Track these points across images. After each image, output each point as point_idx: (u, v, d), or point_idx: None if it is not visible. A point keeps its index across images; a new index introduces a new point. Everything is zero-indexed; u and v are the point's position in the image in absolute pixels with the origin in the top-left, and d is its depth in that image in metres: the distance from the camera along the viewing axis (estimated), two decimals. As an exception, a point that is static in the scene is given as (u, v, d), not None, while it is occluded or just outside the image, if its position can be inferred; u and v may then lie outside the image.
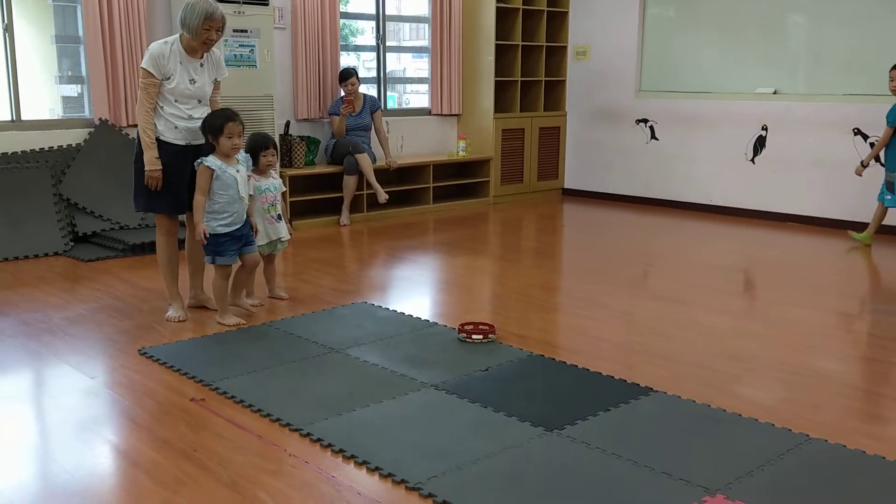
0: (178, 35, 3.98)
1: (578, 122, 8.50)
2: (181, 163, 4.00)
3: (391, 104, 8.15)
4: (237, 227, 4.01)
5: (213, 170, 3.90)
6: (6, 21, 5.64)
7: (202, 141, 3.99)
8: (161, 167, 3.93)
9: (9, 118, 5.74)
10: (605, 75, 8.17)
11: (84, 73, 6.06)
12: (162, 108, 3.94)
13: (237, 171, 3.98)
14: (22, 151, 5.65)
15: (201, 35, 3.89)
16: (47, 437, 2.90)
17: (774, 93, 7.04)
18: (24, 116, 5.79)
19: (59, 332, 3.95)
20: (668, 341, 3.92)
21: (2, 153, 5.56)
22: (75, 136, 5.90)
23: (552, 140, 8.52)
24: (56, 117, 6.39)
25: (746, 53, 7.19)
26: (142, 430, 2.91)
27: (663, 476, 2.53)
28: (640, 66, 7.99)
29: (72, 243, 5.69)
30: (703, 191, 7.36)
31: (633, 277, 5.26)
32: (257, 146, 4.30)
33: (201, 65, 4.02)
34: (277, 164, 4.53)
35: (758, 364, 3.61)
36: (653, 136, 7.88)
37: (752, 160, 7.23)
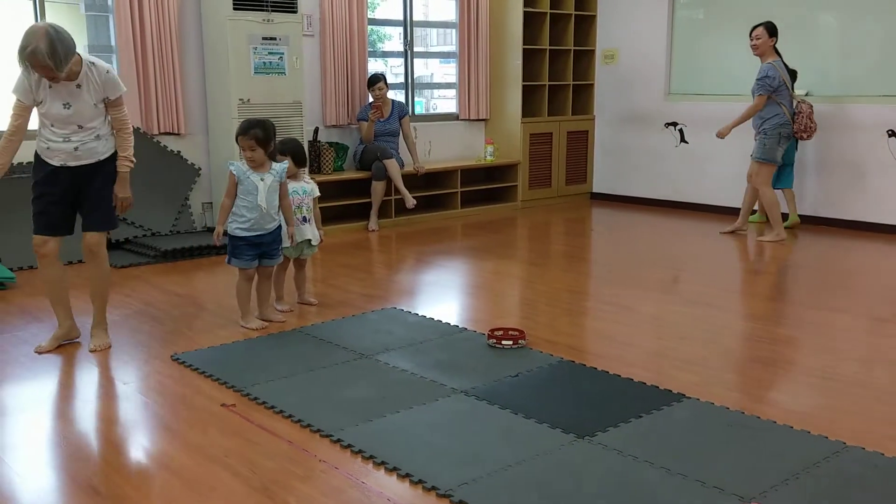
0: None
1: (607, 126, 8.46)
2: (54, 184, 3.68)
3: (419, 110, 8.16)
4: (256, 233, 4.02)
5: (236, 175, 3.97)
6: (41, 31, 5.71)
7: (84, 162, 3.66)
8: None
9: (43, 127, 5.82)
10: (633, 78, 8.13)
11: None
12: (40, 129, 3.66)
13: (261, 179, 3.99)
14: (56, 159, 5.72)
15: (33, 71, 3.43)
16: (81, 443, 2.93)
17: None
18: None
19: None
20: (699, 346, 3.87)
21: (36, 161, 5.63)
22: (108, 144, 5.96)
23: (580, 144, 8.49)
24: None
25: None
26: (174, 435, 2.93)
27: (697, 484, 2.50)
28: (668, 69, 7.93)
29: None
30: (733, 194, 7.26)
31: (663, 282, 5.21)
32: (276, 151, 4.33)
33: (77, 86, 3.54)
34: (305, 170, 4.52)
35: (793, 370, 3.56)
36: (682, 140, 7.81)
37: (784, 163, 7.13)
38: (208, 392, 3.29)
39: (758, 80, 6.14)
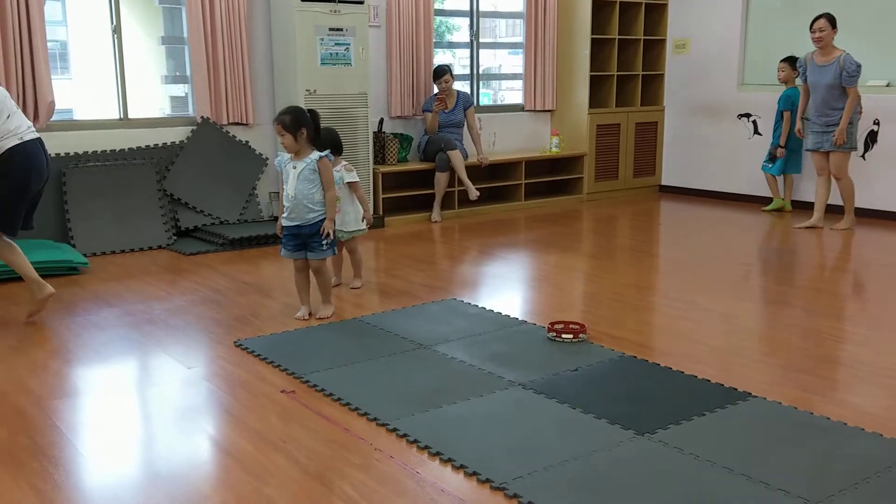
0: None
1: (677, 117, 8.27)
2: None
3: (486, 101, 8.12)
4: (294, 223, 4.02)
5: (276, 164, 4.14)
6: (114, 23, 5.88)
7: None
8: None
9: (117, 116, 5.99)
10: (705, 68, 7.92)
11: (188, 73, 6.26)
12: None
13: (294, 166, 4.00)
14: (129, 149, 5.89)
15: None
16: (145, 425, 3.00)
17: (887, 85, 6.67)
18: (131, 115, 6.03)
19: (160, 322, 4.09)
20: (768, 344, 3.76)
21: (110, 150, 5.81)
22: (179, 134, 6.11)
23: (649, 135, 8.33)
24: (163, 116, 6.63)
25: (857, 44, 6.80)
26: (235, 420, 2.97)
27: (760, 486, 2.42)
28: (742, 59, 7.71)
29: (175, 237, 5.90)
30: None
31: (733, 277, 5.07)
32: None
33: None
34: (330, 154, 4.35)
35: (865, 370, 3.42)
36: (756, 131, 7.59)
37: (863, 156, 6.87)
38: (269, 378, 3.33)
39: (850, 72, 6.03)
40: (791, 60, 6.91)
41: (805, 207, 6.95)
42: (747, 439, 2.74)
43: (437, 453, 2.64)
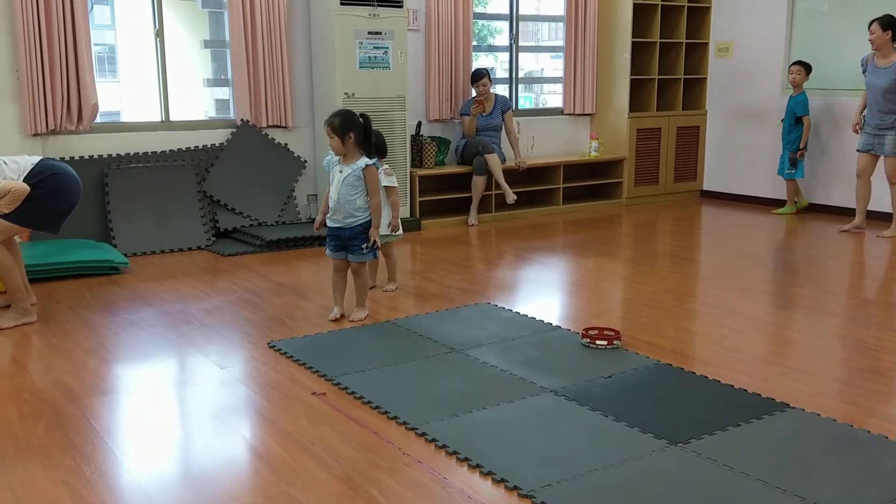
0: None
1: (719, 121, 8.15)
2: None
3: (528, 105, 8.08)
4: (336, 224, 4.07)
5: (324, 164, 4.16)
6: (157, 27, 5.97)
7: None
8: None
9: (159, 119, 6.08)
10: (749, 72, 7.79)
11: (230, 76, 6.34)
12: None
13: (340, 170, 4.03)
14: (170, 150, 5.97)
15: None
16: (177, 424, 3.03)
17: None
18: (173, 117, 6.11)
19: (196, 322, 4.13)
20: (809, 354, 3.67)
21: (151, 152, 5.89)
22: (219, 136, 6.18)
23: (690, 140, 8.21)
24: (204, 118, 6.71)
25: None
26: (266, 421, 2.99)
27: (796, 499, 2.35)
28: (787, 62, 7.55)
29: (213, 238, 5.96)
30: (850, 193, 6.86)
31: (775, 285, 4.97)
32: None
33: None
34: (377, 161, 4.29)
35: (910, 383, 3.32)
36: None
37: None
38: (301, 380, 3.34)
39: None
40: (804, 64, 6.98)
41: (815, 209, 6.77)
42: (783, 451, 2.68)
43: (466, 459, 2.62)
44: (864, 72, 6.32)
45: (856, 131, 6.51)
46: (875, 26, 6.08)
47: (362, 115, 4.07)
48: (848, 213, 6.79)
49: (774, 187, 7.65)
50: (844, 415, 2.95)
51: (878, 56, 6.16)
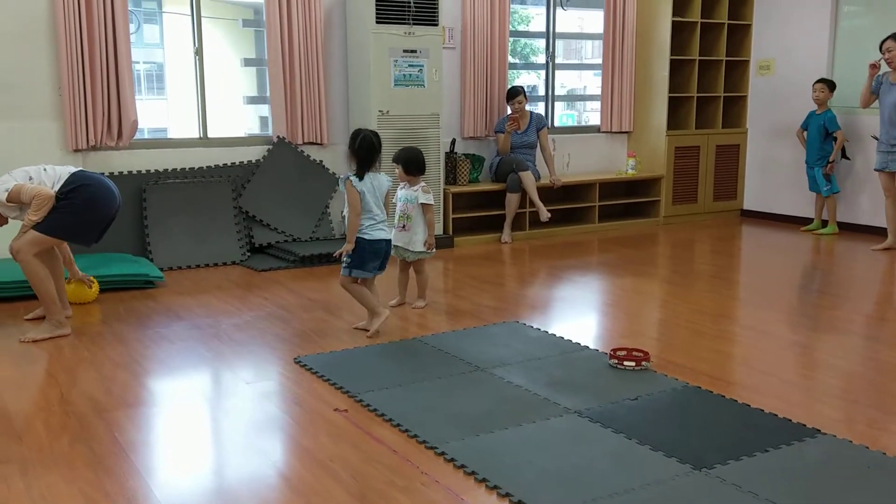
0: None
1: (760, 140, 8.02)
2: None
3: (571, 122, 8.05)
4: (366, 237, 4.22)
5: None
6: (197, 45, 6.07)
7: None
8: None
9: (197, 135, 6.18)
10: (791, 90, 7.66)
11: (267, 94, 6.42)
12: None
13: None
14: (207, 167, 6.06)
15: None
16: (199, 439, 3.04)
17: None
18: (212, 134, 6.21)
19: (225, 337, 4.17)
20: (844, 379, 3.57)
21: (189, 168, 5.99)
22: (256, 153, 6.26)
23: (730, 158, 8.10)
24: (242, 135, 6.80)
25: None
26: (287, 437, 2.99)
27: (822, 529, 2.28)
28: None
29: (248, 254, 6.02)
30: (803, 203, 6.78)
31: (814, 307, 4.86)
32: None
33: None
34: (418, 178, 4.60)
35: (950, 410, 3.20)
36: (843, 156, 7.28)
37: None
38: (324, 396, 3.34)
39: None
40: (827, 82, 7.01)
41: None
42: (812, 479, 2.60)
43: (484, 479, 2.59)
44: (877, 90, 6.41)
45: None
46: (891, 42, 6.17)
47: (357, 131, 4.16)
48: (876, 231, 6.74)
49: (815, 206, 7.49)
50: (877, 442, 2.85)
51: (893, 73, 6.22)
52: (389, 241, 4.27)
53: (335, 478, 2.63)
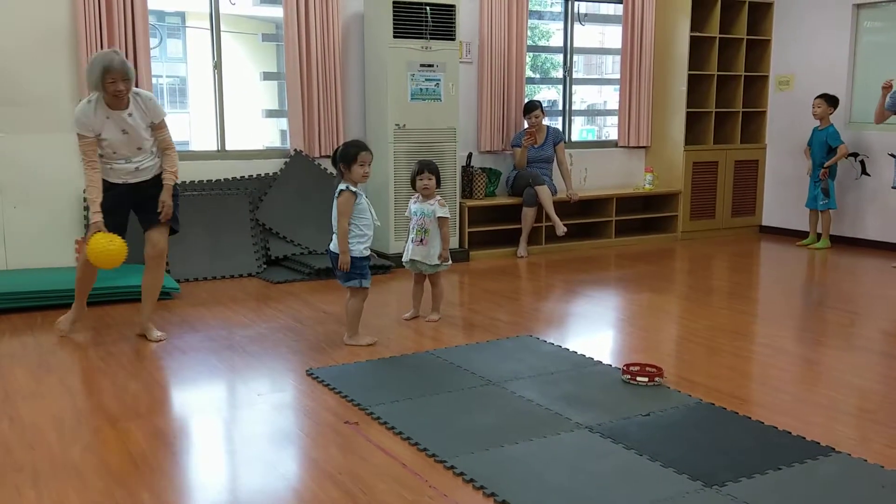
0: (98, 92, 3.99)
1: (780, 155, 7.97)
2: (125, 198, 4.18)
3: (591, 137, 8.05)
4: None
5: (358, 194, 4.14)
6: (216, 59, 6.14)
7: (142, 178, 4.18)
8: (102, 220, 4.04)
9: (215, 148, 6.23)
10: (810, 106, 7.60)
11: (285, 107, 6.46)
12: (102, 157, 4.09)
13: (364, 197, 4.22)
14: (224, 179, 6.11)
15: (107, 88, 3.91)
16: (208, 451, 3.05)
17: None
18: (231, 147, 6.26)
19: (238, 349, 4.18)
20: (859, 397, 3.52)
21: (207, 180, 6.03)
22: (273, 166, 6.30)
23: (749, 174, 8.05)
24: (260, 148, 6.85)
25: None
26: (297, 449, 2.99)
27: (833, 549, 2.25)
28: (850, 96, 7.38)
29: (264, 266, 6.05)
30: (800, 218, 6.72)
31: (831, 324, 4.80)
32: (414, 171, 4.66)
33: (129, 114, 4.04)
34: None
35: (968, 430, 3.15)
36: (863, 172, 7.23)
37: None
38: (335, 408, 3.34)
39: None
40: (826, 97, 7.08)
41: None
42: (825, 498, 2.56)
43: (492, 494, 2.58)
44: (892, 107, 6.46)
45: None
46: None
47: (344, 144, 4.24)
48: (882, 246, 6.79)
49: (834, 223, 7.43)
50: (892, 461, 2.81)
51: None
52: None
53: (343, 490, 2.63)
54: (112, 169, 4.13)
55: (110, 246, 3.99)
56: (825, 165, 7.06)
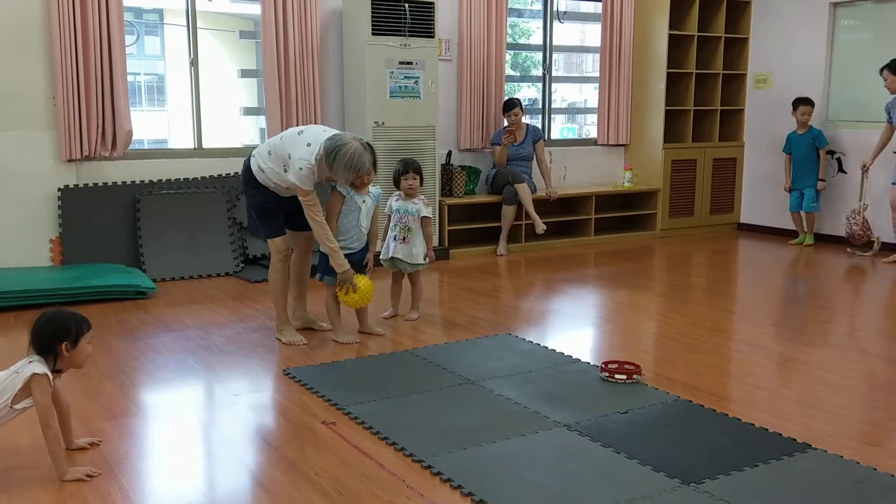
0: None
1: (757, 153, 8.01)
2: (285, 199, 4.23)
3: (571, 135, 8.05)
4: (351, 251, 4.18)
5: (344, 195, 4.14)
6: (192, 56, 6.08)
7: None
8: (351, 268, 4.09)
9: (192, 146, 6.17)
10: (788, 104, 7.63)
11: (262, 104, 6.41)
12: (269, 167, 4.07)
13: (363, 201, 4.18)
14: (202, 177, 6.05)
15: (353, 181, 3.96)
16: (183, 451, 3.01)
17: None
18: (208, 145, 6.20)
19: (215, 349, 4.14)
20: (836, 393, 3.54)
21: (183, 178, 5.97)
22: (251, 164, 6.23)
23: (727, 172, 8.09)
24: (237, 146, 6.79)
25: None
26: (272, 449, 2.96)
27: (810, 546, 2.25)
28: (827, 95, 7.43)
29: (242, 265, 6.00)
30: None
31: (808, 321, 4.83)
32: (397, 170, 4.62)
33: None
34: (417, 189, 4.64)
35: (943, 426, 3.17)
36: (840, 169, 7.28)
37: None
38: (311, 408, 3.32)
39: None
40: (810, 101, 7.18)
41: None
42: (801, 494, 2.57)
43: (470, 493, 2.56)
44: (887, 112, 6.55)
45: (864, 169, 6.77)
46: (886, 73, 6.44)
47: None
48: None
49: (796, 222, 7.49)
50: (868, 457, 2.82)
51: None
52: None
53: (319, 491, 2.60)
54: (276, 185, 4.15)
55: (369, 282, 4.15)
56: (820, 177, 7.19)
